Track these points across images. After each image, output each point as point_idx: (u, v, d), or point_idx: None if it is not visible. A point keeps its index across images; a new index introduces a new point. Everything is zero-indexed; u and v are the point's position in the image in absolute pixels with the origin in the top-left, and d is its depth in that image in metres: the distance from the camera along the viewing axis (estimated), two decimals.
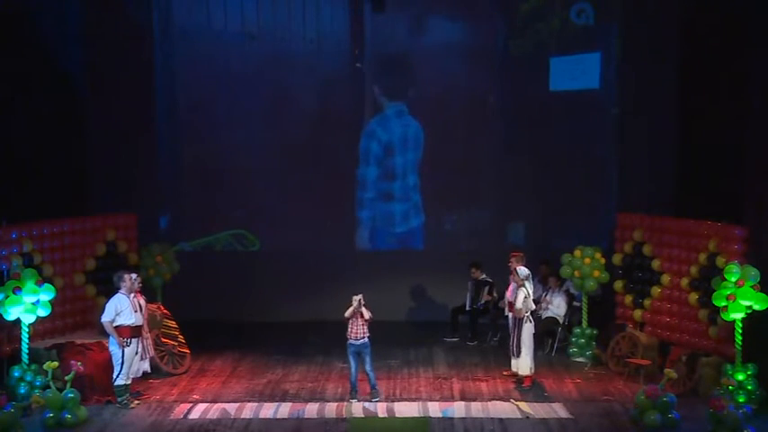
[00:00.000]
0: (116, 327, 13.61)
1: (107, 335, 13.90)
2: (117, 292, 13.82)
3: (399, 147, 19.28)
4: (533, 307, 14.90)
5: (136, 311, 13.80)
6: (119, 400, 13.69)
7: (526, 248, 16.61)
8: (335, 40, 19.19)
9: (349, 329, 14.01)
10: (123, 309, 13.65)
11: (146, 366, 14.37)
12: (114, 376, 13.70)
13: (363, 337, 14.00)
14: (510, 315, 15.10)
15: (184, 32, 19.09)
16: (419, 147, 19.22)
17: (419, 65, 19.10)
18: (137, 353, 13.84)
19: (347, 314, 13.94)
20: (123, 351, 13.62)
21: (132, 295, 13.87)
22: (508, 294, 15.14)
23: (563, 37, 18.94)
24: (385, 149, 19.33)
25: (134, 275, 14.07)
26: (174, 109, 19.21)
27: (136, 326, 13.79)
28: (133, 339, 13.74)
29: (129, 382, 13.81)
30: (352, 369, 14.09)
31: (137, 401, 13.83)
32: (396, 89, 19.23)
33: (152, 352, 14.55)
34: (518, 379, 14.81)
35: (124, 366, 13.63)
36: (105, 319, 13.65)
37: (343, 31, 19.27)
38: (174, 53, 19.11)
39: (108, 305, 13.72)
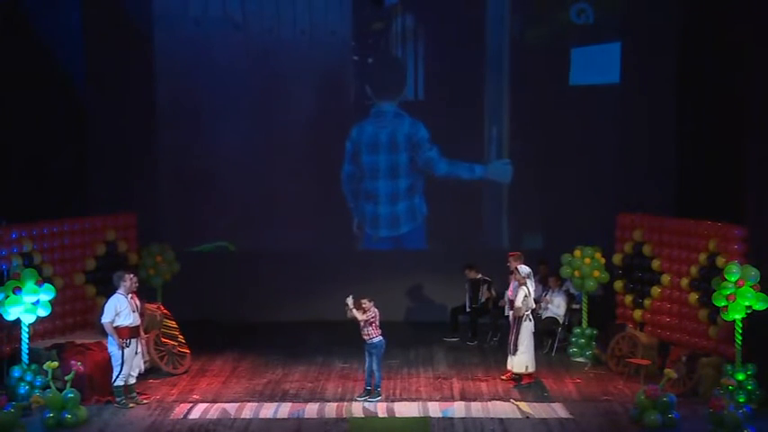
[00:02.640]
0: (115, 327, 13.61)
1: (107, 335, 13.90)
2: (115, 293, 13.81)
3: (381, 147, 19.00)
4: (533, 305, 14.92)
5: (134, 312, 13.80)
6: (117, 400, 13.69)
7: (525, 248, 16.62)
8: (330, 30, 18.56)
9: (361, 329, 14.04)
10: (122, 309, 13.65)
11: (141, 366, 14.33)
12: (114, 377, 13.70)
13: (371, 338, 13.98)
14: (510, 313, 15.12)
15: (164, 21, 18.57)
16: (407, 148, 19.01)
17: (422, 60, 18.83)
18: (136, 353, 13.85)
19: (349, 316, 13.96)
20: (123, 352, 13.63)
21: (130, 296, 13.87)
22: (509, 293, 15.15)
23: (583, 28, 18.67)
24: (360, 149, 19.01)
25: (133, 276, 14.09)
26: (170, 107, 19.06)
27: (134, 326, 13.79)
28: (132, 340, 13.75)
29: (132, 382, 13.85)
30: (366, 366, 14.13)
31: (133, 404, 13.79)
32: (383, 88, 18.93)
33: (146, 355, 14.53)
34: (516, 377, 14.81)
35: (124, 367, 13.64)
36: (106, 320, 13.63)
37: (339, 20, 18.58)
38: (164, 47, 18.76)
39: (107, 306, 13.71)
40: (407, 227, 19.22)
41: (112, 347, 13.69)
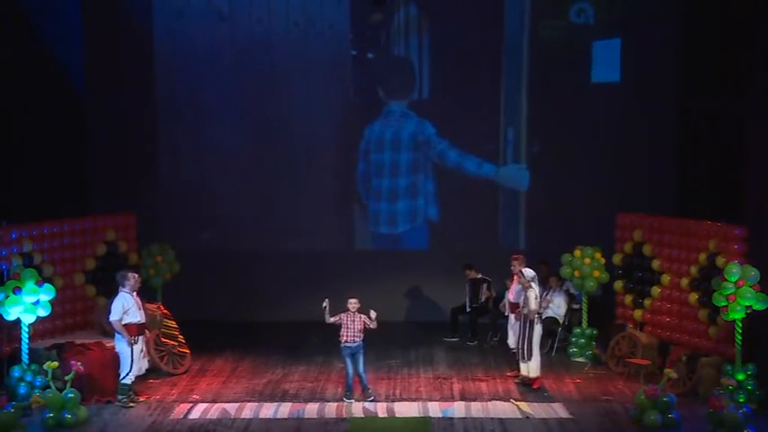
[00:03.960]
0: (124, 325, 13.61)
1: (107, 335, 13.90)
2: (120, 292, 13.81)
3: (386, 145, 18.95)
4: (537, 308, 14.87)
5: (140, 309, 13.82)
6: (119, 398, 13.69)
7: (525, 249, 16.59)
8: (326, 22, 18.19)
9: (342, 332, 13.96)
10: (129, 307, 13.66)
11: (145, 365, 14.35)
12: (123, 375, 13.71)
13: (358, 341, 13.94)
14: (512, 315, 15.08)
15: (163, 22, 18.39)
16: (411, 147, 18.95)
17: (428, 58, 18.75)
18: (142, 350, 13.87)
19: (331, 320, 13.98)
20: (132, 349, 13.63)
21: (134, 294, 13.88)
22: (510, 296, 15.10)
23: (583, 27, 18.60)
24: (370, 147, 18.97)
25: (136, 275, 14.10)
26: (170, 107, 18.99)
27: (141, 324, 13.82)
28: (139, 337, 13.76)
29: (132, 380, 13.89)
30: (349, 371, 14.03)
31: (132, 403, 13.79)
32: (393, 89, 18.83)
33: (146, 354, 14.55)
34: (523, 380, 14.75)
35: (134, 365, 13.64)
36: (114, 318, 13.61)
37: (336, 11, 18.18)
38: (164, 47, 18.67)
39: (114, 304, 13.69)
40: (405, 226, 19.19)
41: (121, 345, 13.68)
